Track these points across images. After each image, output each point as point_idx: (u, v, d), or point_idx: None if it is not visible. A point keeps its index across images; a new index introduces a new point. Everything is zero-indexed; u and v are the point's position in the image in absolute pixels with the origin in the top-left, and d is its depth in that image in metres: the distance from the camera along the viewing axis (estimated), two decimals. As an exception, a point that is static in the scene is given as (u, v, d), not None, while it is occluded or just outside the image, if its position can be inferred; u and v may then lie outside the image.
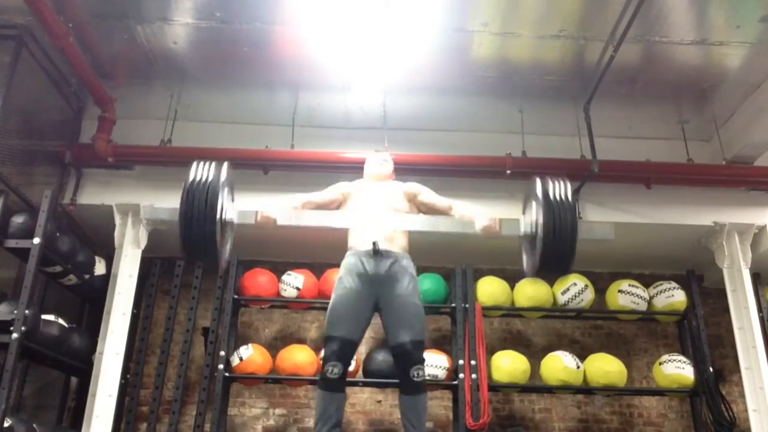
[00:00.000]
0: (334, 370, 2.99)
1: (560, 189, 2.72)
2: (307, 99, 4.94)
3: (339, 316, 3.12)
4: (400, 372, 3.07)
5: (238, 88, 4.87)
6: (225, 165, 2.69)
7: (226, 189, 2.69)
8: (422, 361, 3.08)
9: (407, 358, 3.02)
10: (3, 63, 4.10)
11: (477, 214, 3.16)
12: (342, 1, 3.96)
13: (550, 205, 2.67)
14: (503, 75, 4.62)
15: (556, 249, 2.66)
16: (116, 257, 4.71)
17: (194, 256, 2.74)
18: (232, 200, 2.85)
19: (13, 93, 4.08)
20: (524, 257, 3.00)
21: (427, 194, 3.51)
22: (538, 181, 2.77)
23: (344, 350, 3.04)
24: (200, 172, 2.63)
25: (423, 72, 4.58)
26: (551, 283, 5.05)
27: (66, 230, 4.50)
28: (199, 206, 2.54)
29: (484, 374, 4.57)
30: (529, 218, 2.85)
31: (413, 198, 3.50)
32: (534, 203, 2.79)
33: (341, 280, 3.21)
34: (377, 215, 3.28)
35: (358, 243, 3.23)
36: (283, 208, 3.12)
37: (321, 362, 3.06)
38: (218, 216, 2.59)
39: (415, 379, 3.00)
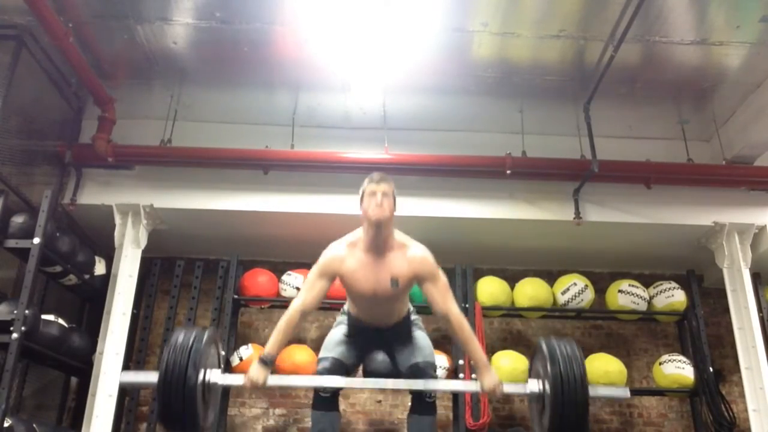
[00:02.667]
0: (326, 387, 2.97)
1: (566, 347, 2.69)
2: (307, 99, 4.93)
3: (333, 343, 3.11)
4: (413, 391, 3.05)
5: (238, 88, 4.86)
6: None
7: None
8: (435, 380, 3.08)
9: (421, 376, 3.00)
10: (3, 63, 4.10)
11: (478, 358, 2.89)
12: (342, 1, 3.96)
13: (556, 364, 2.62)
14: (503, 75, 4.62)
15: (567, 412, 2.57)
16: (116, 257, 4.72)
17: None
18: (219, 363, 2.89)
19: (13, 93, 4.08)
20: (534, 426, 2.92)
21: (432, 289, 2.96)
22: (543, 342, 2.75)
23: (335, 368, 2.99)
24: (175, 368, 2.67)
25: (423, 72, 4.58)
26: (551, 283, 5.06)
27: (66, 230, 4.50)
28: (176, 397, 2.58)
29: (484, 374, 4.57)
30: (535, 380, 2.81)
31: (417, 280, 3.01)
32: (540, 365, 2.78)
33: (339, 326, 3.19)
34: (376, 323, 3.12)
35: (359, 316, 3.15)
36: (275, 338, 2.86)
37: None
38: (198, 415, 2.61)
39: (428, 399, 2.99)
